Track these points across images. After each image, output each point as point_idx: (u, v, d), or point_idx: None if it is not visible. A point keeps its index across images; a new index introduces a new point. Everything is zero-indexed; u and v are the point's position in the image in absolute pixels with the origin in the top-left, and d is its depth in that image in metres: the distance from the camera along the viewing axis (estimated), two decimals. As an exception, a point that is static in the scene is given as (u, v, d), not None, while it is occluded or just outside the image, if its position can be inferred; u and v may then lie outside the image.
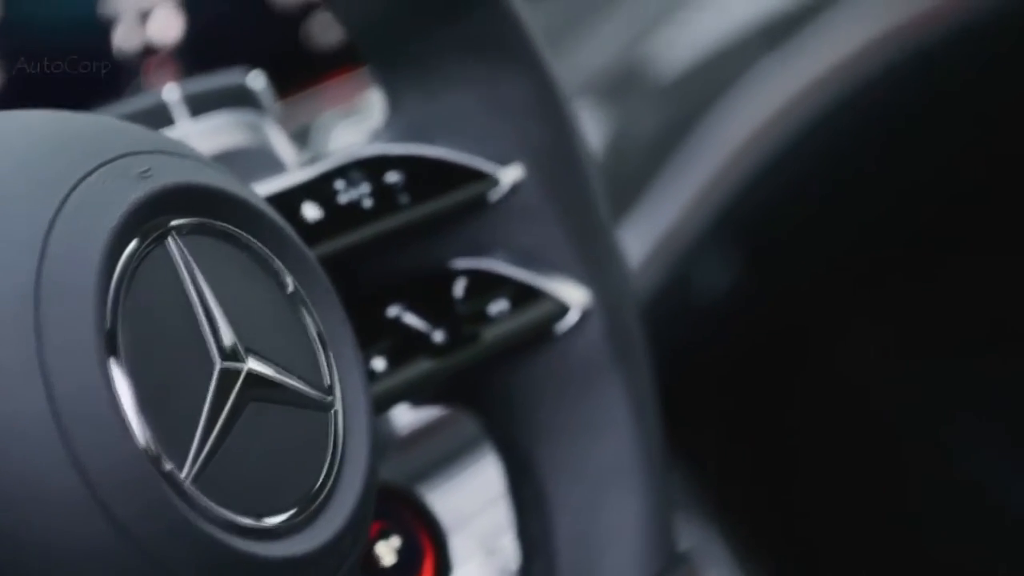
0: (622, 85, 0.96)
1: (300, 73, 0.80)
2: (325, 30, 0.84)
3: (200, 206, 0.41)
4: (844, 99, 1.09)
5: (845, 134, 1.11)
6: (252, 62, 0.75)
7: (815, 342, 1.36)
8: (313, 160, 0.52)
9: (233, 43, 0.78)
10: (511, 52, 0.53)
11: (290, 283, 0.43)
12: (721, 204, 0.97)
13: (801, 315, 1.29)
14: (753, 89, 1.03)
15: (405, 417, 0.62)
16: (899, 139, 1.19)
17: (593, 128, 0.91)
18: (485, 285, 0.53)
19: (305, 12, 0.84)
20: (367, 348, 0.48)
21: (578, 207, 0.54)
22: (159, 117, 0.54)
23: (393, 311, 0.51)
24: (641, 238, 0.90)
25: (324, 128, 0.80)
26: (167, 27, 0.78)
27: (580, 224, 0.54)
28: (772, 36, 1.07)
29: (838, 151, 1.11)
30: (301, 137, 0.80)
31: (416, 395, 0.52)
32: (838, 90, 1.08)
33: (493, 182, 0.53)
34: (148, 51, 0.78)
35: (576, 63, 0.94)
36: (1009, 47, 1.25)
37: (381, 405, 0.49)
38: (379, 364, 0.50)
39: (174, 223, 0.40)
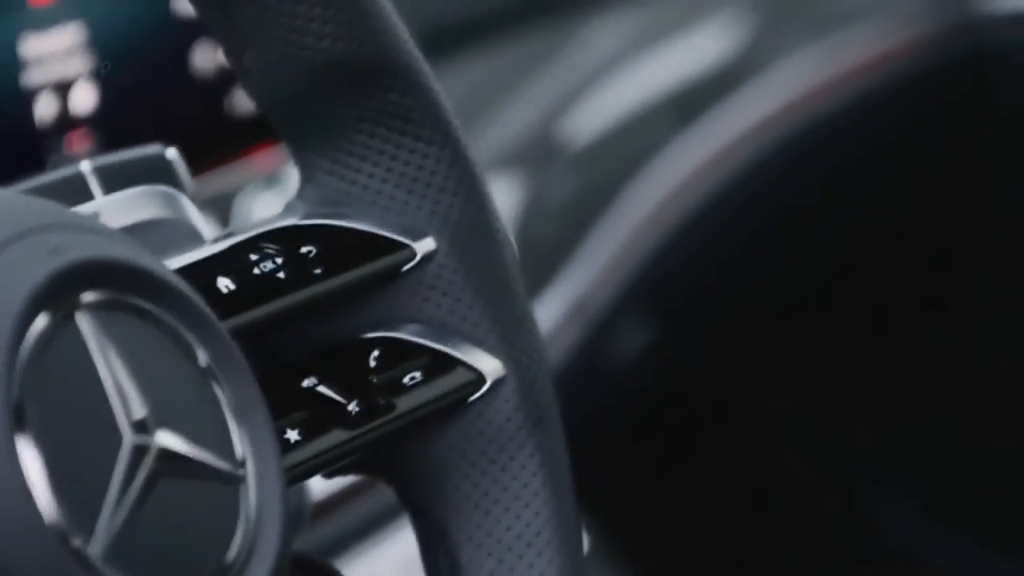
0: (537, 154, 0.97)
1: (223, 144, 0.80)
2: (248, 101, 0.84)
3: (110, 280, 0.42)
4: (749, 168, 1.11)
5: (751, 201, 1.12)
6: (175, 133, 0.75)
7: (727, 403, 1.37)
8: (227, 233, 0.52)
9: (155, 114, 0.79)
10: (424, 125, 0.54)
11: (202, 356, 0.43)
12: (634, 269, 0.99)
13: (713, 376, 1.30)
14: (665, 158, 1.05)
15: (319, 486, 0.63)
16: (802, 207, 1.22)
17: (509, 197, 0.92)
18: (399, 355, 0.54)
19: (228, 83, 0.84)
20: (281, 420, 0.49)
21: (491, 278, 0.55)
22: (75, 191, 0.54)
23: (307, 382, 0.52)
24: (557, 303, 0.91)
25: (246, 199, 0.81)
26: (88, 99, 0.78)
27: (493, 295, 0.55)
28: (684, 107, 1.09)
29: (745, 218, 1.13)
30: (223, 209, 0.80)
31: (330, 466, 0.53)
32: (744, 159, 1.11)
33: (407, 254, 0.54)
34: (69, 123, 0.79)
35: (491, 134, 0.96)
36: (904, 119, 1.28)
37: (295, 476, 0.50)
38: (293, 435, 0.50)
39: (84, 298, 0.41)
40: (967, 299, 1.45)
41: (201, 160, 0.76)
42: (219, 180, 0.78)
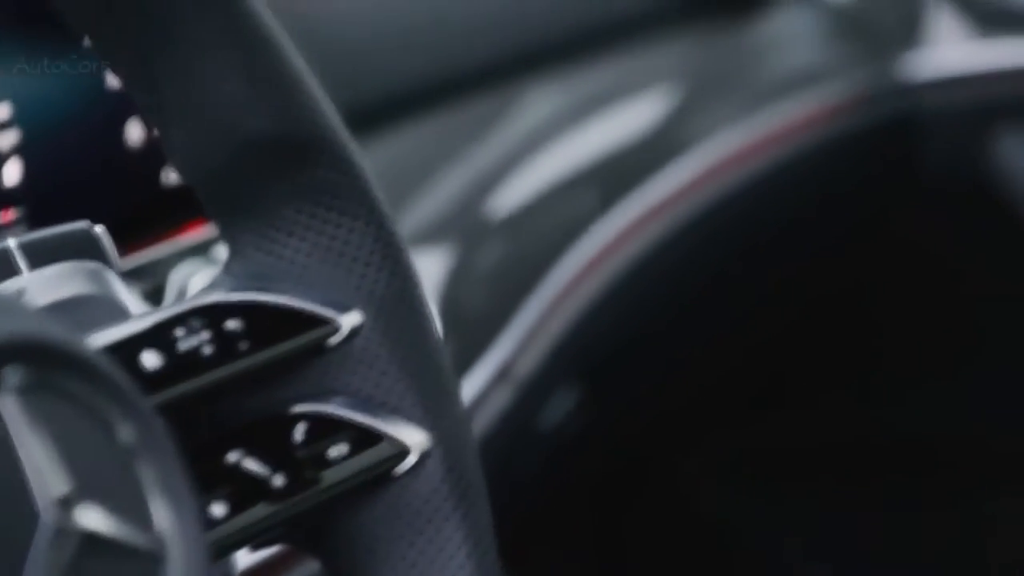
0: (467, 225, 0.98)
1: (157, 219, 0.80)
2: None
3: (32, 358, 0.42)
4: (675, 234, 1.12)
5: (677, 267, 1.14)
6: (108, 208, 0.75)
7: (659, 466, 1.38)
8: (154, 308, 0.53)
9: (87, 189, 0.79)
10: (349, 200, 0.55)
11: (125, 433, 0.44)
12: (561, 335, 0.99)
13: (645, 440, 1.31)
14: (592, 226, 1.06)
15: (244, 559, 0.63)
16: (728, 272, 1.23)
17: (438, 267, 0.92)
18: (325, 429, 0.54)
19: (163, 157, 0.84)
20: (206, 495, 0.49)
21: (416, 351, 0.55)
22: (0, 267, 0.54)
23: (233, 456, 0.52)
24: (485, 371, 0.92)
25: (179, 274, 0.81)
26: (15, 175, 0.78)
27: (419, 368, 0.55)
28: (613, 176, 1.11)
29: (670, 283, 1.14)
30: (156, 284, 0.80)
31: (256, 539, 0.53)
32: (669, 226, 1.12)
33: (332, 328, 0.54)
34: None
35: (422, 204, 0.96)
36: (830, 183, 1.30)
37: (220, 551, 0.50)
38: (218, 510, 0.50)
39: (4, 376, 0.41)
40: (894, 365, 1.47)
41: (134, 235, 0.76)
42: (152, 255, 0.78)
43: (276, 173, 0.54)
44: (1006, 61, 1.31)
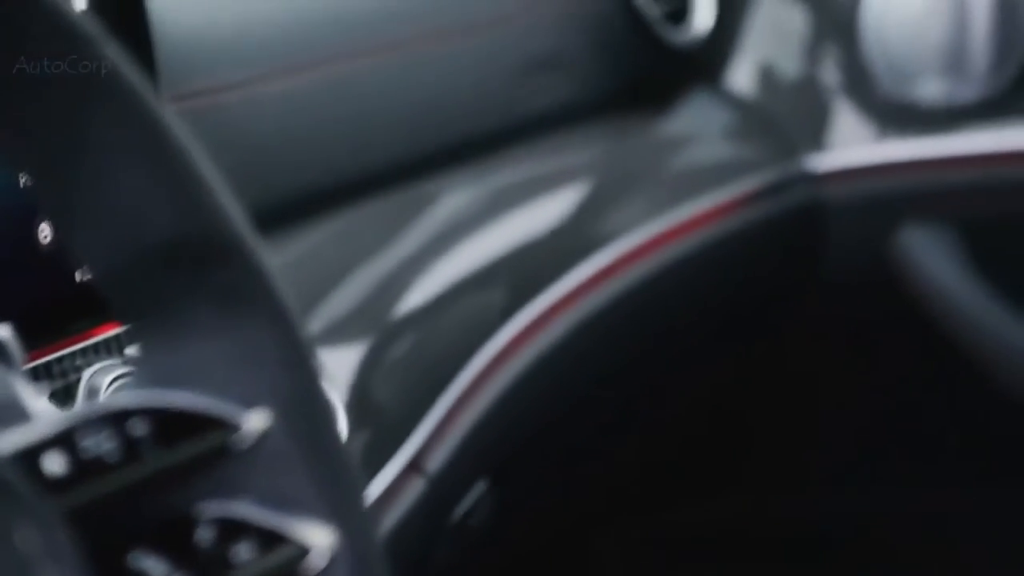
0: (378, 321, 0.98)
1: (71, 318, 0.80)
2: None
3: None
4: (584, 326, 1.13)
5: (586, 359, 1.15)
6: (21, 305, 0.75)
7: (566, 551, 1.38)
8: (59, 411, 0.53)
9: (1, 289, 0.79)
10: (255, 301, 0.55)
11: (24, 538, 0.43)
12: (471, 428, 1.00)
13: (552, 528, 1.32)
14: (502, 320, 1.07)
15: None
16: (637, 361, 1.24)
17: (348, 365, 0.93)
18: (231, 531, 0.54)
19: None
20: (109, 599, 0.49)
21: (323, 451, 0.56)
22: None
23: (136, 560, 0.52)
24: (396, 465, 0.92)
25: (91, 373, 0.81)
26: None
27: (325, 468, 0.55)
28: (525, 272, 1.12)
29: (579, 374, 1.16)
30: (66, 383, 0.80)
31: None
32: (579, 317, 1.13)
33: (238, 429, 0.54)
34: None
35: (332, 302, 0.97)
36: (738, 271, 1.32)
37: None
38: (122, 614, 0.50)
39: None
40: (797, 453, 1.49)
41: (48, 333, 0.76)
42: (65, 353, 0.78)
43: (183, 275, 0.54)
44: (906, 155, 1.35)
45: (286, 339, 0.56)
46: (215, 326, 0.55)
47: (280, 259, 0.95)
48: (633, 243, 1.22)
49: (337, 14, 1.04)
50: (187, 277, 0.54)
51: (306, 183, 1.00)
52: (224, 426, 0.54)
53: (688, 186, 1.28)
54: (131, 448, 0.52)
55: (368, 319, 0.98)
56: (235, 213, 0.55)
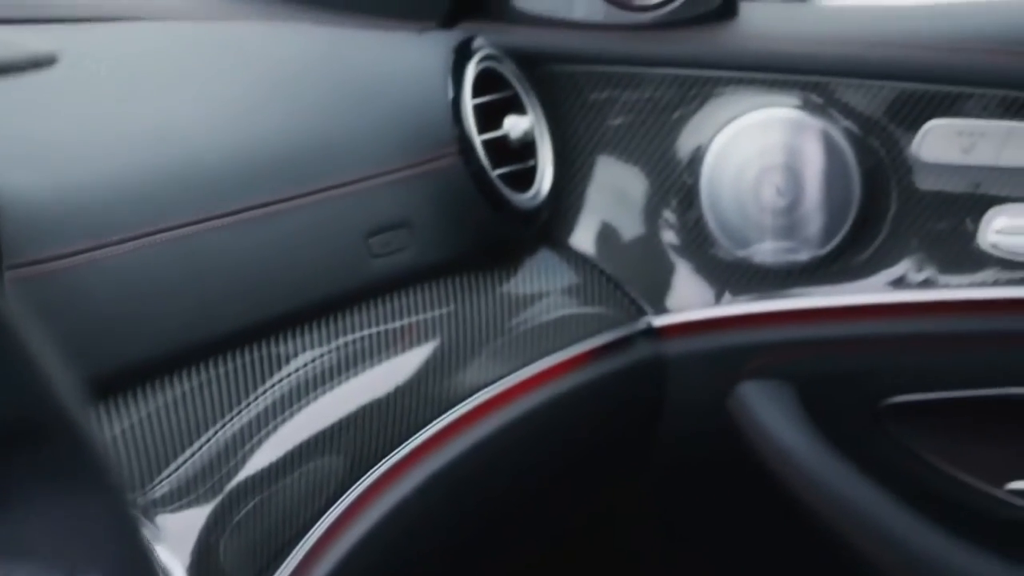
0: (216, 488, 1.00)
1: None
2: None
3: None
4: (430, 482, 1.16)
5: (428, 516, 1.17)
6: None
7: None
8: None
9: None
10: (83, 476, 0.57)
11: None
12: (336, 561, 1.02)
13: None
14: (344, 485, 1.09)
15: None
16: (483, 513, 1.26)
17: (188, 531, 0.94)
18: None
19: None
20: None
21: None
22: None
23: None
24: None
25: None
26: None
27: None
28: (367, 433, 1.14)
29: (422, 533, 1.17)
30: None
31: None
32: (426, 472, 1.16)
33: (64, 599, 0.56)
34: None
35: (172, 469, 0.98)
36: (586, 422, 1.36)
37: None
38: None
39: None
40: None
41: None
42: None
43: (13, 452, 0.56)
44: (744, 312, 1.40)
45: (114, 512, 0.57)
46: (42, 500, 0.56)
47: (126, 423, 0.96)
48: (482, 399, 1.24)
49: (186, 180, 1.06)
50: (18, 454, 0.56)
51: (155, 347, 1.00)
52: (51, 597, 0.55)
53: (535, 343, 1.32)
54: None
55: (214, 481, 0.99)
56: (61, 390, 0.57)
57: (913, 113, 1.35)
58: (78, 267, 0.95)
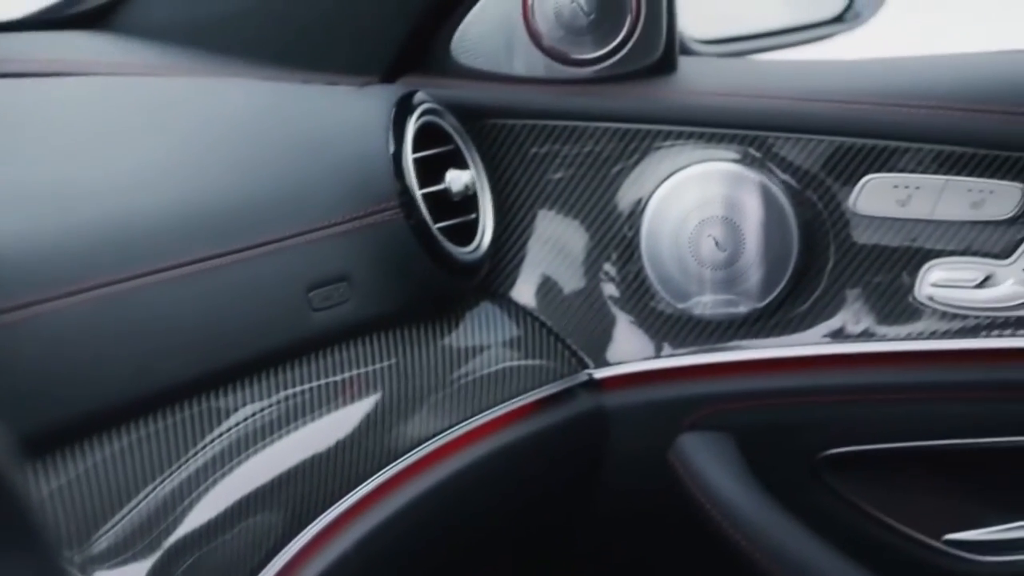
0: (157, 543, 0.99)
1: None
2: None
3: None
4: (369, 536, 1.16)
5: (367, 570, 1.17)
6: None
7: None
8: None
9: None
10: (12, 535, 0.57)
11: None
12: None
13: None
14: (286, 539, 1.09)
15: None
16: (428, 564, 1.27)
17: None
18: None
19: None
20: None
21: None
22: None
23: None
24: None
25: None
26: None
27: None
28: (310, 485, 1.14)
29: None
30: None
31: None
32: (365, 527, 1.16)
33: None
34: None
35: (111, 525, 0.98)
36: (529, 473, 1.36)
37: None
38: None
39: None
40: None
41: None
42: None
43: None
44: (683, 363, 1.41)
45: (45, 570, 0.57)
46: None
47: (63, 479, 0.96)
48: (424, 452, 1.25)
49: (123, 235, 1.05)
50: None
51: (91, 403, 1.00)
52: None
53: (477, 396, 1.32)
54: None
55: (152, 537, 0.99)
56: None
57: (851, 167, 1.36)
58: (13, 324, 0.95)
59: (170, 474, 1.03)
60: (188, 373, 1.08)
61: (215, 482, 1.06)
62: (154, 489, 1.02)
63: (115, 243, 1.04)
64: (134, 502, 1.00)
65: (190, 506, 1.03)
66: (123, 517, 0.98)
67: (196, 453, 1.06)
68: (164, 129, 1.20)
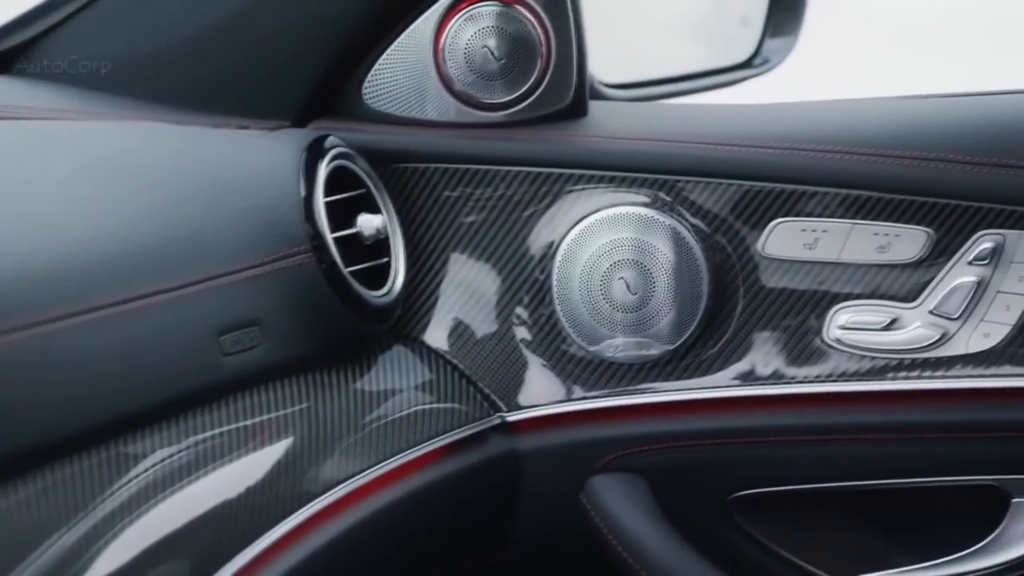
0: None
1: None
2: None
3: None
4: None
5: None
6: None
7: None
8: None
9: None
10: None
11: None
12: None
13: None
14: None
15: None
16: None
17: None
18: None
19: None
20: None
21: None
22: None
23: None
24: None
25: None
26: None
27: None
28: (214, 534, 1.13)
29: None
30: None
31: None
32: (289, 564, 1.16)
33: None
34: None
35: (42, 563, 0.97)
36: (447, 512, 1.36)
37: None
38: None
39: None
40: None
41: None
42: None
43: None
44: (595, 406, 1.41)
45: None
46: None
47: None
48: (337, 495, 1.25)
49: (29, 279, 1.05)
50: None
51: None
52: None
53: (390, 439, 1.32)
54: None
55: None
56: None
57: (759, 211, 1.38)
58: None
59: (77, 522, 1.03)
60: (96, 419, 1.07)
61: (123, 529, 1.05)
62: (60, 537, 1.01)
63: (16, 288, 1.03)
64: (40, 550, 0.99)
65: (97, 554, 1.02)
66: (28, 566, 0.97)
67: (103, 500, 1.05)
68: (75, 173, 1.19)
